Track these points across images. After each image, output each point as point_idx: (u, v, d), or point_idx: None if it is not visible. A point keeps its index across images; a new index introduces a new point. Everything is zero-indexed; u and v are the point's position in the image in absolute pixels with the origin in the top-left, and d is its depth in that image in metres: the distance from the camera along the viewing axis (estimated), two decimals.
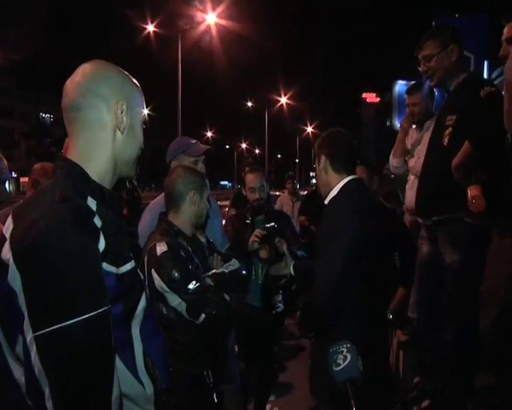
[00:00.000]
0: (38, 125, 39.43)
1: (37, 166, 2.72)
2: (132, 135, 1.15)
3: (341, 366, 1.33)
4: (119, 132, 1.12)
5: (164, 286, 1.78)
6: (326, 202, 2.00)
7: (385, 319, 2.00)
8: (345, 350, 1.36)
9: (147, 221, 2.33)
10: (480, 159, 2.24)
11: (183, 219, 1.97)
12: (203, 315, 1.80)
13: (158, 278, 1.79)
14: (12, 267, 0.92)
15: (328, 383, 1.58)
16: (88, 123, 1.09)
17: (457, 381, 2.43)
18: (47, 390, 0.90)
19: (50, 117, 41.30)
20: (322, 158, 2.00)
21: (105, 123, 1.10)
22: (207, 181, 2.13)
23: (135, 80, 1.19)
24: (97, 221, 1.01)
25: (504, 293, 2.11)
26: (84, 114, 1.08)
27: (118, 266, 1.04)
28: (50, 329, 0.88)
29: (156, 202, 2.45)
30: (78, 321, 0.89)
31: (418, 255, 2.68)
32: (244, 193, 3.04)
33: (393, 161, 3.31)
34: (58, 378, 0.90)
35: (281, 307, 2.78)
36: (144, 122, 1.21)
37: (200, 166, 2.41)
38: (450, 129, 2.42)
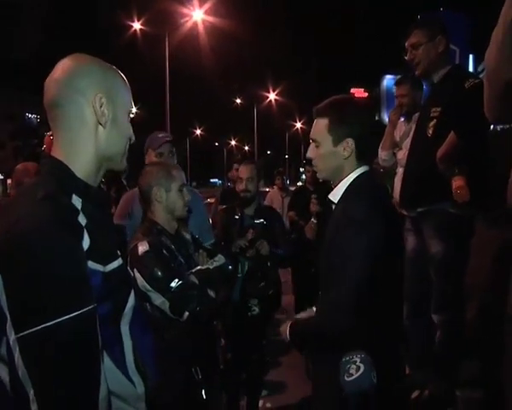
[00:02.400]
0: (24, 126, 38.94)
1: (19, 166, 2.71)
2: (116, 127, 1.11)
3: (354, 377, 1.24)
4: (100, 127, 1.09)
5: (146, 285, 1.79)
6: (335, 199, 1.61)
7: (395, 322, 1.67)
8: (358, 360, 1.26)
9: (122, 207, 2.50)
10: (464, 149, 2.26)
11: (158, 216, 1.97)
12: (186, 313, 1.80)
13: (140, 277, 1.79)
14: None
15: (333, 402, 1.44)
16: (69, 120, 1.06)
17: (445, 372, 2.45)
18: (31, 393, 0.88)
19: (37, 117, 40.79)
20: (349, 142, 1.54)
21: (86, 118, 1.07)
22: (179, 173, 2.05)
23: (117, 70, 1.15)
24: (82, 219, 0.99)
25: (489, 285, 2.14)
26: (64, 111, 1.06)
27: (104, 264, 1.02)
28: (33, 330, 0.87)
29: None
30: (61, 321, 0.88)
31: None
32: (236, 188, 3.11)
33: (382, 154, 3.32)
34: (42, 381, 0.89)
35: (256, 310, 2.86)
36: (130, 112, 1.17)
37: (166, 158, 2.46)
38: (434, 121, 2.43)
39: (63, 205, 0.98)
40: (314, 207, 4.51)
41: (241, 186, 2.98)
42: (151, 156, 2.51)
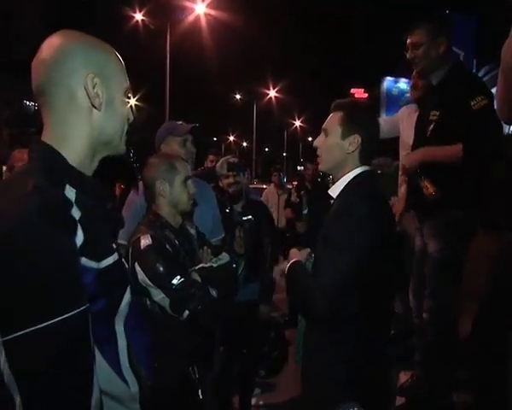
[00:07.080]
0: (22, 113, 38.62)
1: (16, 152, 2.66)
2: (112, 109, 1.02)
3: None
4: (95, 110, 1.00)
5: (147, 280, 1.73)
6: (334, 194, 1.63)
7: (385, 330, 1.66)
8: None
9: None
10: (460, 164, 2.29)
11: (162, 210, 1.91)
12: (187, 311, 1.74)
13: (141, 271, 1.73)
14: None
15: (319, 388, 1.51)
16: (59, 105, 0.98)
17: (439, 373, 2.47)
18: (17, 399, 0.82)
19: (34, 105, 40.52)
20: (356, 138, 1.58)
21: (78, 102, 0.98)
22: (182, 165, 1.97)
23: (108, 46, 1.06)
24: (75, 212, 0.92)
25: (485, 290, 2.14)
26: (53, 97, 0.98)
27: (99, 260, 0.96)
28: (20, 333, 0.80)
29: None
30: (51, 324, 0.81)
31: (414, 247, 2.72)
32: (221, 184, 3.00)
33: (381, 120, 3.26)
34: (30, 387, 0.83)
35: None
36: (128, 91, 1.08)
37: (189, 146, 2.39)
38: (433, 124, 2.42)
39: (54, 198, 0.90)
40: (294, 198, 4.66)
41: (228, 180, 2.89)
42: (173, 145, 2.35)
